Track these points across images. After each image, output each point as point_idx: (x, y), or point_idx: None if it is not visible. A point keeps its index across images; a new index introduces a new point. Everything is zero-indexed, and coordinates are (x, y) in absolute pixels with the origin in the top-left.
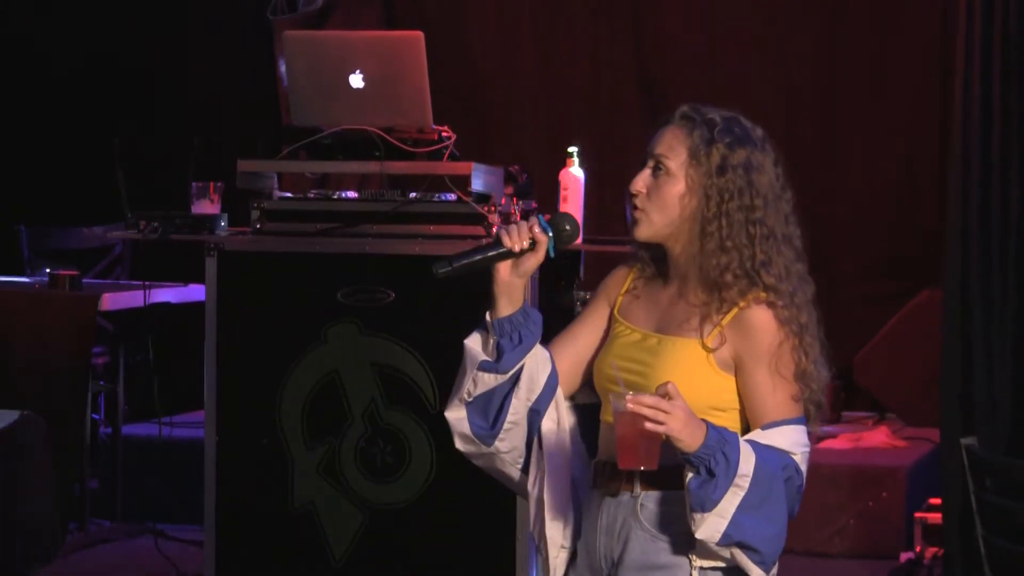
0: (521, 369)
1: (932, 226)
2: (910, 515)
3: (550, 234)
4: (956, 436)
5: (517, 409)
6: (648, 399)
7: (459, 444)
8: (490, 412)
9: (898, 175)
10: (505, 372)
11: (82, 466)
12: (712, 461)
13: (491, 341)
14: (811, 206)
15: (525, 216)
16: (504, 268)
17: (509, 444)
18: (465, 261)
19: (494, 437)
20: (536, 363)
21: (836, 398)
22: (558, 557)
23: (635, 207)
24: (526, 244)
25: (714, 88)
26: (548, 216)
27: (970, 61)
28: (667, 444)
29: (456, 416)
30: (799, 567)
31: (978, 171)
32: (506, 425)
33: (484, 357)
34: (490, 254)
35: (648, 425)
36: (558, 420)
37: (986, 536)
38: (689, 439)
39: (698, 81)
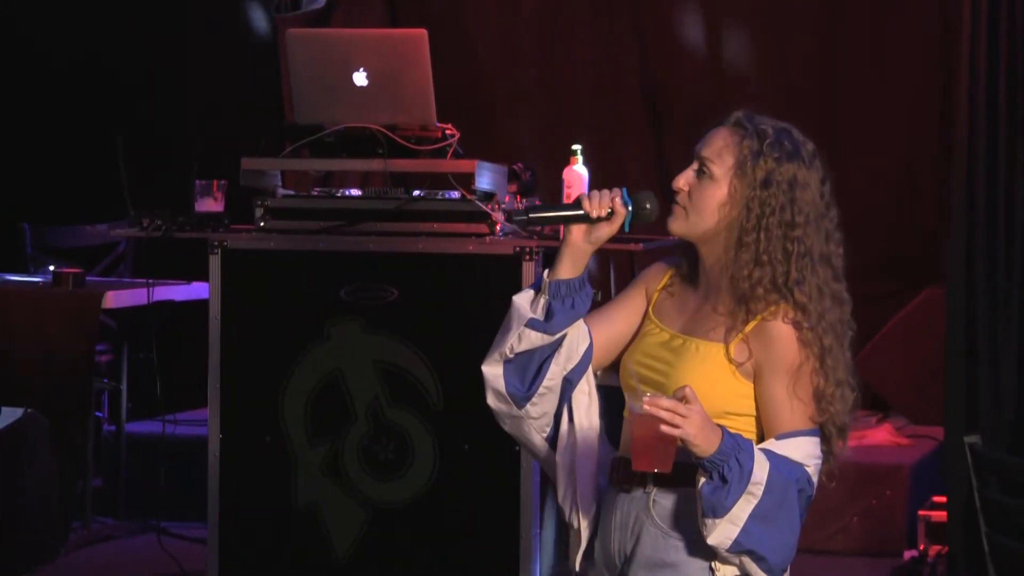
0: (565, 335)
1: (932, 225)
2: (913, 513)
3: (630, 208)
4: (960, 434)
5: (554, 375)
6: (665, 402)
7: (491, 400)
8: (528, 374)
9: (898, 175)
10: (553, 333)
11: (85, 464)
12: (726, 467)
13: (541, 301)
14: None
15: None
16: (577, 231)
17: (540, 409)
18: (542, 214)
19: (527, 399)
20: (579, 333)
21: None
22: (586, 528)
23: (676, 202)
24: (604, 213)
25: (715, 87)
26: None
27: (975, 58)
28: (681, 446)
29: (493, 372)
30: (802, 565)
31: (983, 169)
32: (541, 389)
33: (532, 315)
34: (567, 213)
35: (664, 428)
36: (589, 393)
37: (990, 534)
38: (704, 444)
39: (700, 80)
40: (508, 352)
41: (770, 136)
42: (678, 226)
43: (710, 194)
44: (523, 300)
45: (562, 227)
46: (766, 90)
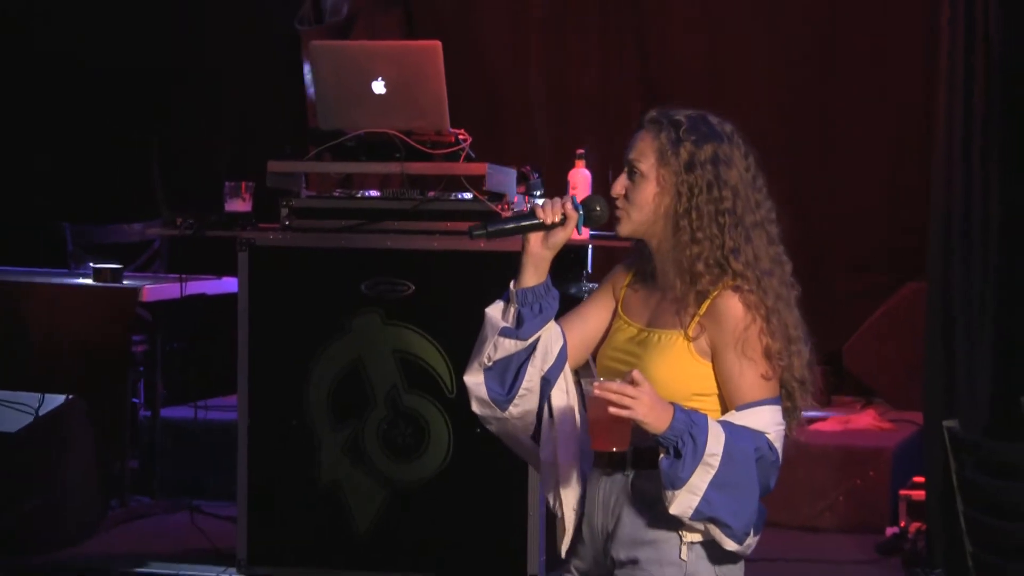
0: (538, 339)
1: (917, 224)
2: (895, 492)
3: (580, 212)
4: (938, 418)
5: (532, 377)
6: (613, 385)
7: (475, 407)
8: (507, 378)
9: (887, 177)
10: (525, 339)
11: (123, 446)
12: (680, 442)
13: (512, 310)
14: (806, 205)
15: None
16: (535, 239)
17: (522, 410)
18: (500, 227)
19: (508, 402)
20: (551, 335)
21: (826, 383)
22: (570, 518)
23: (617, 208)
24: (558, 218)
25: (714, 93)
26: (581, 198)
27: (953, 65)
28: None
29: (475, 381)
30: (791, 541)
31: (960, 170)
32: (520, 391)
33: (505, 324)
34: (523, 223)
35: (612, 409)
36: (567, 391)
37: (966, 512)
38: (656, 422)
39: (699, 86)
40: (486, 361)
41: (684, 123)
42: (624, 228)
43: (643, 190)
44: (495, 311)
45: (521, 238)
46: (762, 94)
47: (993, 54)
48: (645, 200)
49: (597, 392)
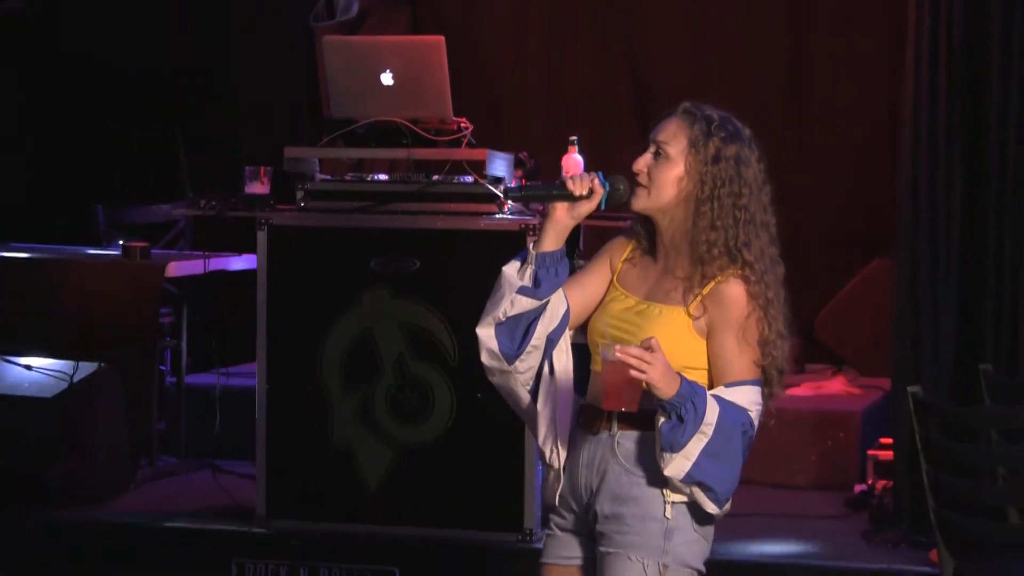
0: (549, 300)
1: (883, 204)
2: (864, 453)
3: (607, 188)
4: (904, 384)
5: (540, 335)
6: (634, 350)
7: (484, 358)
8: (517, 334)
9: (856, 162)
10: (541, 299)
11: (151, 410)
12: (683, 409)
13: (528, 270)
14: (782, 187)
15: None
16: (561, 208)
17: (527, 365)
18: (532, 193)
19: (517, 356)
20: (557, 298)
21: (800, 352)
22: (563, 468)
23: (638, 184)
24: (585, 192)
25: (695, 86)
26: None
27: (919, 58)
28: (645, 391)
29: (486, 333)
30: (768, 497)
31: (925, 154)
32: (528, 348)
33: (522, 283)
34: (553, 192)
35: (632, 372)
36: (566, 351)
37: (929, 471)
38: (666, 388)
39: (681, 80)
40: (501, 316)
41: (716, 120)
42: (640, 203)
43: (667, 171)
44: (511, 270)
45: (547, 205)
46: (739, 86)
47: (955, 47)
48: (668, 180)
49: (619, 355)
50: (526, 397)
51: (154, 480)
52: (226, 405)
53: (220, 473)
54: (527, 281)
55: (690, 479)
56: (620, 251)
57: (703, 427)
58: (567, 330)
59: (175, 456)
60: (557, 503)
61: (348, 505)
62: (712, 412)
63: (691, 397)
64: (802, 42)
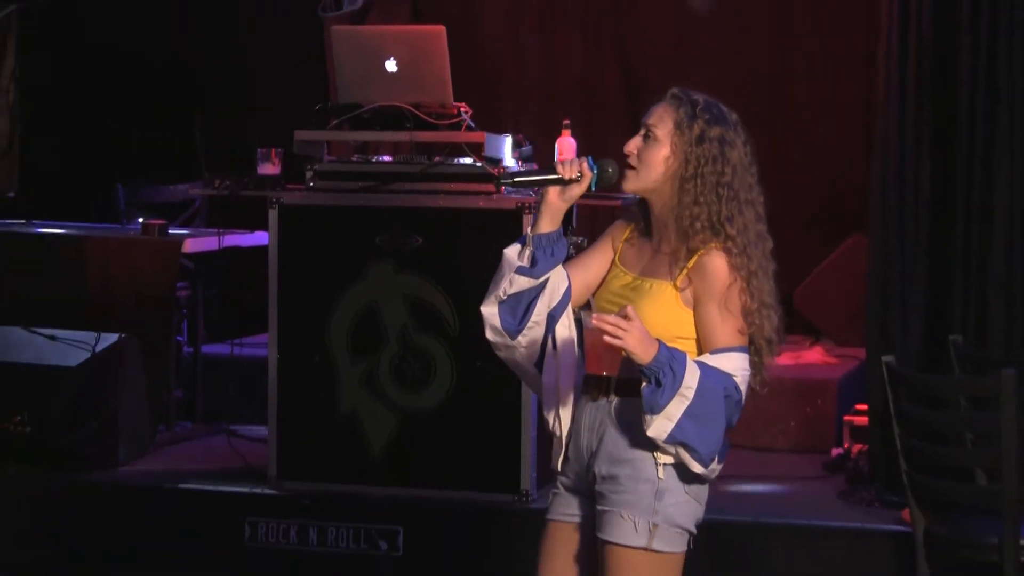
0: (548, 279)
1: (860, 183)
2: (840, 418)
3: (595, 171)
4: (878, 354)
5: (540, 311)
6: (609, 317)
7: (489, 335)
8: (518, 311)
9: (833, 145)
10: (537, 278)
11: (169, 379)
12: (661, 373)
13: (527, 252)
14: (763, 168)
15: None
16: (553, 192)
17: (529, 340)
18: (524, 179)
19: (518, 332)
20: (558, 277)
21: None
22: (566, 437)
23: (629, 166)
24: (575, 175)
25: (681, 74)
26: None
27: (890, 55)
28: (627, 357)
29: (490, 311)
30: (750, 460)
31: (895, 140)
32: (529, 324)
33: (520, 264)
34: (544, 177)
35: (606, 338)
36: (569, 326)
37: (901, 435)
38: (642, 354)
39: (667, 68)
40: (502, 295)
41: (701, 103)
42: (631, 184)
43: (656, 152)
44: (512, 252)
45: (540, 189)
46: (721, 74)
47: (923, 45)
48: (656, 160)
49: (595, 322)
50: (531, 370)
51: (171, 444)
52: (239, 374)
53: (234, 437)
54: (525, 261)
55: (672, 440)
56: (621, 233)
57: (683, 390)
58: (570, 307)
59: (191, 421)
60: (561, 466)
61: (354, 467)
62: (692, 376)
63: (669, 362)
64: (785, 30)
